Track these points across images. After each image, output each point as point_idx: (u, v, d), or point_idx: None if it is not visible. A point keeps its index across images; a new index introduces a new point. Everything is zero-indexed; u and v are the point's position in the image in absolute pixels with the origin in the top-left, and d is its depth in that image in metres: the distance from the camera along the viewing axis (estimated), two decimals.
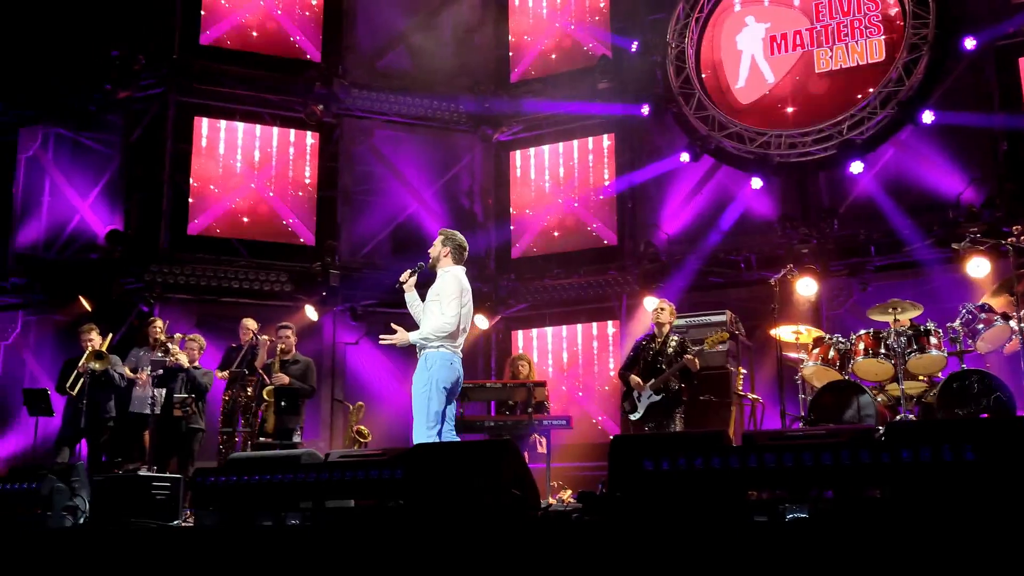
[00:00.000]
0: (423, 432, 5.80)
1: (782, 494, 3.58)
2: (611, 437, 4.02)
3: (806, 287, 9.80)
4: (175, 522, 5.39)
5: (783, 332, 8.55)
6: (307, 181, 13.18)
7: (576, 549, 3.62)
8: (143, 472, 9.13)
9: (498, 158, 13.79)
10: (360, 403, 10.66)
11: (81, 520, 5.54)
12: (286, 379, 8.65)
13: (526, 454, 7.01)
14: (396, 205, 13.29)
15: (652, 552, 3.43)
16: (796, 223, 11.40)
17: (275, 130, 13.07)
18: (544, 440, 9.13)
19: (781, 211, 11.80)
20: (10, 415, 12.04)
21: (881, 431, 3.80)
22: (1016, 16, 10.89)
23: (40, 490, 5.59)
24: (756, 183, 11.60)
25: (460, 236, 6.34)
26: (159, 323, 9.50)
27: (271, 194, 13.00)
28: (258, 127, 13.01)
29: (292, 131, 13.14)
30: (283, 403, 8.66)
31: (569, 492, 9.22)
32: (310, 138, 13.20)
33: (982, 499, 3.28)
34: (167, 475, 5.99)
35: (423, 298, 6.27)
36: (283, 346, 8.84)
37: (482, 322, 12.62)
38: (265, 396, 8.59)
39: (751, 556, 3.29)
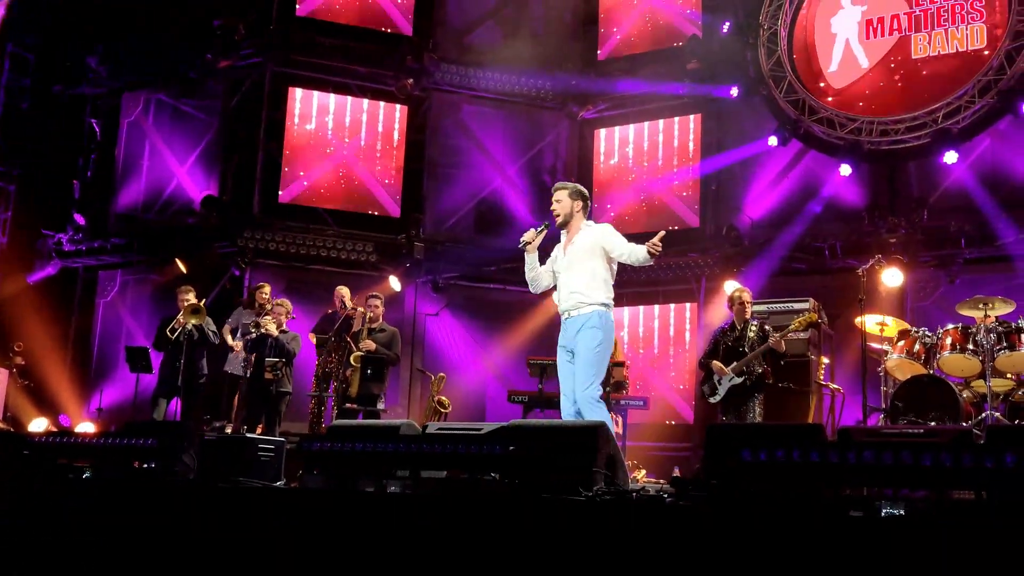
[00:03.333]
0: (595, 399, 5.58)
1: (877, 491, 3.65)
2: (707, 427, 4.13)
3: (892, 278, 9.66)
4: (279, 483, 5.65)
5: (867, 322, 8.49)
6: (394, 154, 13.40)
7: (671, 532, 3.76)
8: (228, 430, 9.56)
9: (583, 136, 13.83)
10: (442, 374, 10.87)
11: (190, 476, 5.81)
12: (373, 345, 8.83)
13: None
14: (480, 180, 13.41)
15: (749, 538, 3.55)
16: (884, 212, 11.24)
17: (365, 102, 13.31)
18: (620, 419, 9.24)
19: (869, 199, 11.64)
20: (109, 368, 12.64)
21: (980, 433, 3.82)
22: None
23: (154, 446, 5.87)
24: (845, 170, 11.39)
25: (584, 188, 6.09)
26: (267, 288, 9.74)
27: (359, 165, 13.27)
28: (349, 99, 13.27)
29: (381, 104, 13.36)
30: (369, 370, 8.87)
31: (644, 472, 9.34)
32: (399, 111, 13.41)
33: None
34: (272, 438, 6.25)
35: (542, 261, 6.03)
36: (372, 315, 9.06)
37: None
38: (352, 362, 8.84)
39: (848, 548, 3.40)
